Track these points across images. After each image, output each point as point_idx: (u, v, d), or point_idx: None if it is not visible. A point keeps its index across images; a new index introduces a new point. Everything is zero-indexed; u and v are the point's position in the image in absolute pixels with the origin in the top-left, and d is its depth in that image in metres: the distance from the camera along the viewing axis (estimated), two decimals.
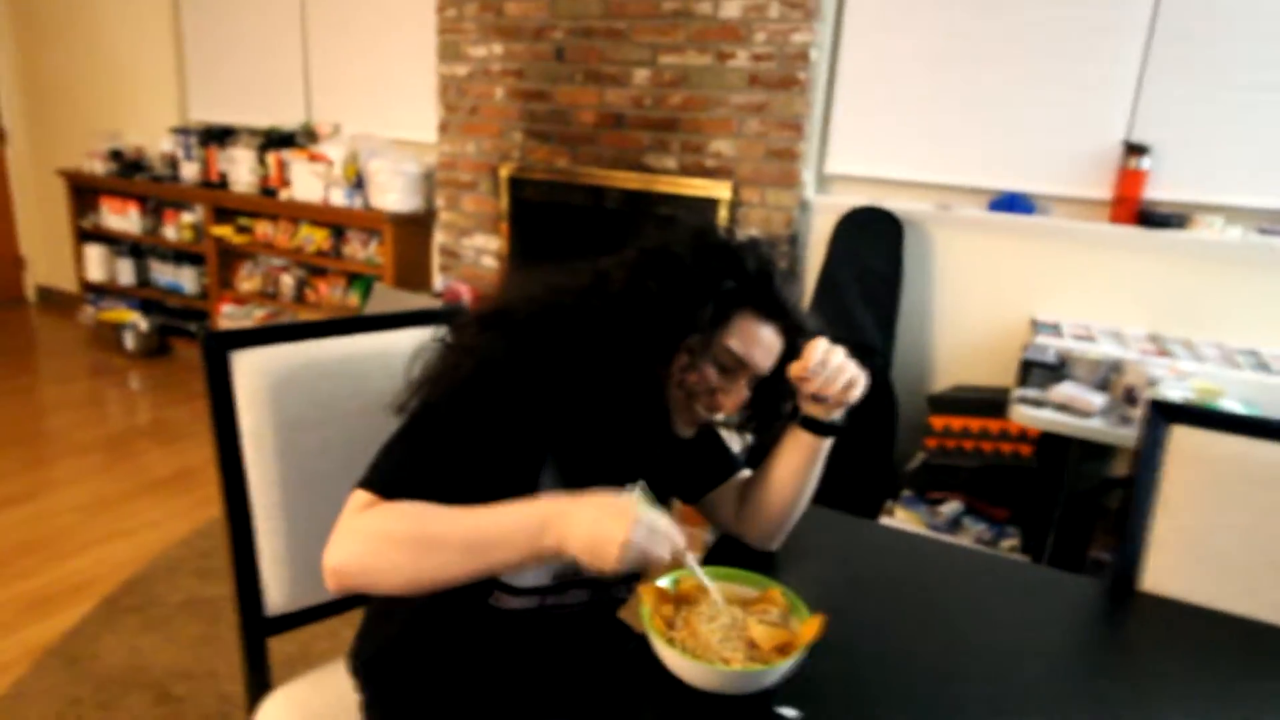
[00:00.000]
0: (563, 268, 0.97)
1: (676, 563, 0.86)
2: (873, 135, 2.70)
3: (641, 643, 0.88)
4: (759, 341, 0.94)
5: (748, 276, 0.93)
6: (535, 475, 0.93)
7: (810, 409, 1.04)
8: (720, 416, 0.99)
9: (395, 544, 0.79)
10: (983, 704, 0.87)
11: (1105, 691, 0.91)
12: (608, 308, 0.91)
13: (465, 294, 3.21)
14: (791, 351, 0.98)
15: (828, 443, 1.05)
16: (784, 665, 0.81)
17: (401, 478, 0.84)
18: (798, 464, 1.06)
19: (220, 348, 1.06)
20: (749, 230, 2.65)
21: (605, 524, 0.75)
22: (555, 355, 0.89)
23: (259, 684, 1.16)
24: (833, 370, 0.96)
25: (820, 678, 0.86)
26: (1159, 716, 0.88)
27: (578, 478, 0.95)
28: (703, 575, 0.90)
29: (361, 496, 0.83)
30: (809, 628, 0.85)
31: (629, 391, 0.90)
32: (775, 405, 1.05)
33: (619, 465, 0.94)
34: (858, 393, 0.99)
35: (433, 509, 0.81)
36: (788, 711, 0.82)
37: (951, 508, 2.33)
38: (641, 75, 2.87)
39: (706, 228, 0.98)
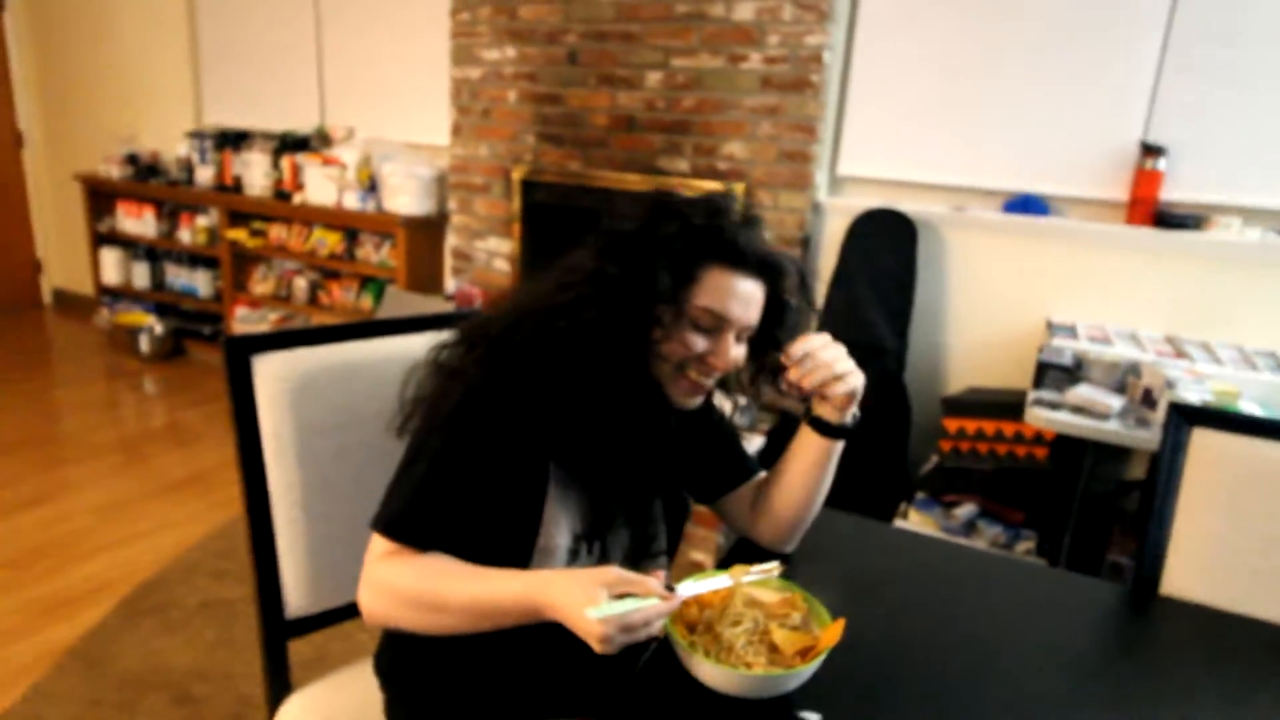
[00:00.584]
0: (536, 273, 0.97)
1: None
2: (886, 137, 2.69)
3: (664, 646, 0.88)
4: (733, 293, 0.91)
5: (697, 231, 0.91)
6: (541, 487, 0.92)
7: (819, 409, 1.03)
8: (713, 379, 0.96)
9: (404, 603, 0.85)
10: (1003, 709, 0.86)
11: (1128, 697, 0.90)
12: (574, 302, 0.90)
13: (477, 297, 3.22)
14: (776, 299, 0.96)
15: (838, 446, 1.04)
16: (806, 670, 0.81)
17: (408, 521, 0.87)
18: (808, 465, 1.05)
19: (241, 352, 1.07)
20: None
21: (580, 631, 0.75)
22: (535, 365, 0.89)
23: (279, 686, 1.17)
24: (818, 362, 0.95)
25: (838, 681, 0.86)
26: None
27: (585, 480, 0.95)
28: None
29: (379, 544, 0.87)
30: (830, 632, 0.85)
31: (613, 379, 0.90)
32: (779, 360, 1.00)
33: (623, 460, 0.93)
34: (843, 389, 0.97)
35: (440, 570, 0.85)
36: (809, 716, 0.81)
37: (966, 510, 2.32)
38: (654, 78, 2.87)
39: (657, 197, 0.95)
